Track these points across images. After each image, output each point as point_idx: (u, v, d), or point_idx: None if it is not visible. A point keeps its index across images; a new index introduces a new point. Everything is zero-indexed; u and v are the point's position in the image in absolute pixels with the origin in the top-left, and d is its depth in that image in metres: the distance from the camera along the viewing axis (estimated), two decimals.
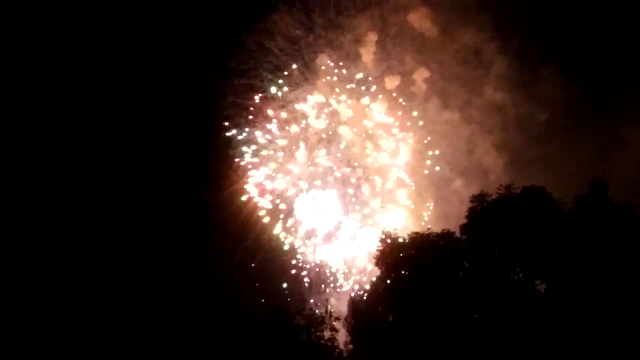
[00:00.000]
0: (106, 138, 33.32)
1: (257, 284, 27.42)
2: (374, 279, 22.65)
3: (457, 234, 20.77)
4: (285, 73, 39.10)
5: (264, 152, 39.68)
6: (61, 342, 23.22)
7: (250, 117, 39.53)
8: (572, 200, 19.20)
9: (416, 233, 21.58)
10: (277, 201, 38.85)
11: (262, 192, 38.84)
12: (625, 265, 18.20)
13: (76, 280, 25.25)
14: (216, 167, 38.64)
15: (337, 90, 38.29)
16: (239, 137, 39.27)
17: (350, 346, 21.97)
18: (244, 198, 37.91)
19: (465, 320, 19.96)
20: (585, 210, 18.66)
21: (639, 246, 18.13)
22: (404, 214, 37.24)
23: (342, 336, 22.35)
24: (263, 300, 25.66)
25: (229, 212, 36.56)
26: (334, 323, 22.44)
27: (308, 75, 39.35)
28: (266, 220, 37.28)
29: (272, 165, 39.55)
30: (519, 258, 19.56)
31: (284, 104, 39.19)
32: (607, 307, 18.17)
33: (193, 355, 23.41)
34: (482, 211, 20.16)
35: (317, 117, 39.38)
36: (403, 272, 21.16)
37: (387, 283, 21.73)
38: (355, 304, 22.60)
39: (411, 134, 38.42)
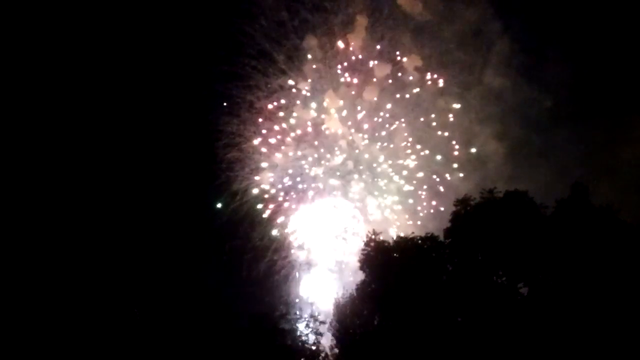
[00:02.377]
0: (93, 138, 35.36)
1: (242, 287, 29.82)
2: (359, 282, 24.77)
3: (441, 238, 22.89)
4: (270, 60, 40.73)
5: (249, 145, 41.51)
6: (59, 341, 25.37)
7: (233, 107, 41.27)
8: (554, 204, 21.27)
9: (400, 237, 23.68)
10: (265, 196, 40.87)
11: (247, 190, 40.86)
12: (606, 268, 20.36)
13: (69, 281, 27.50)
14: (199, 162, 40.62)
15: (324, 78, 39.96)
16: (222, 130, 41.02)
17: (336, 350, 24.30)
18: (228, 197, 40.08)
19: (449, 323, 22.22)
20: (567, 213, 20.75)
21: (620, 249, 20.27)
22: (397, 211, 39.40)
23: (327, 340, 24.69)
24: (247, 304, 27.95)
25: (214, 212, 38.63)
26: (319, 327, 24.74)
27: (294, 62, 40.86)
28: (251, 220, 39.29)
29: (258, 159, 41.41)
30: (502, 261, 21.70)
31: (268, 94, 40.82)
32: (589, 309, 20.40)
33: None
34: (465, 215, 22.21)
35: (304, 106, 41.05)
36: (388, 275, 23.31)
37: (371, 287, 23.92)
38: (340, 308, 24.81)
39: (404, 124, 40.26)
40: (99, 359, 25.42)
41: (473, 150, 40.46)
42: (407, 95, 39.88)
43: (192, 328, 26.41)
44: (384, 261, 23.52)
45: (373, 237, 24.07)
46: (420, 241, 23.13)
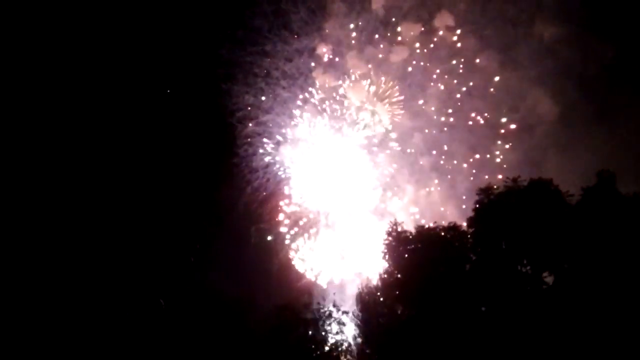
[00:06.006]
0: (102, 133, 40.44)
1: (265, 279, 34.87)
2: (381, 272, 29.28)
3: (464, 227, 26.87)
4: (287, 20, 43.70)
5: (267, 118, 45.60)
6: (64, 341, 31.44)
7: (249, 75, 44.93)
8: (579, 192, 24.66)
9: (422, 226, 27.83)
10: (289, 174, 45.13)
11: (269, 166, 45.25)
12: (633, 257, 23.85)
13: (81, 279, 33.45)
14: (214, 138, 44.85)
15: (347, 41, 42.83)
16: (237, 102, 45.07)
17: (359, 340, 29.27)
18: (249, 175, 44.58)
19: (472, 313, 26.49)
20: (593, 202, 24.15)
21: None
22: (430, 189, 42.85)
23: (350, 330, 29.68)
24: (271, 295, 33.19)
25: (234, 205, 43.24)
26: (342, 317, 29.71)
27: (314, 21, 43.82)
28: (275, 201, 43.76)
29: (277, 132, 45.51)
30: (526, 250, 25.45)
31: (286, 60, 44.16)
32: (615, 300, 24.07)
33: (203, 350, 31.46)
34: (489, 204, 25.96)
35: (325, 72, 44.23)
36: (410, 265, 27.66)
37: (394, 276, 28.41)
38: (363, 298, 29.57)
39: (439, 86, 42.88)
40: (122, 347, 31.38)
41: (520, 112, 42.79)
42: (441, 52, 42.39)
43: (215, 318, 31.89)
44: (407, 251, 27.87)
45: (395, 227, 28.35)
46: (442, 231, 27.21)
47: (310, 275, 41.31)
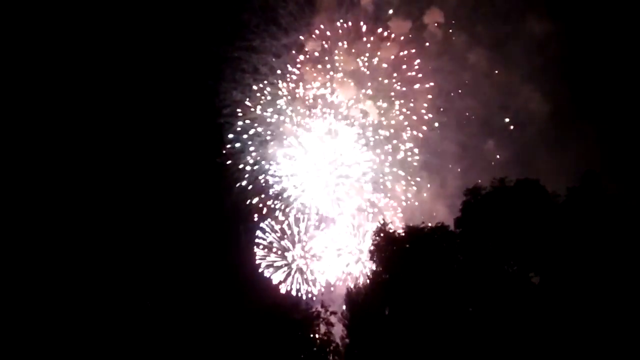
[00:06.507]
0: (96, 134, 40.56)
1: (253, 281, 35.32)
2: (369, 273, 29.75)
3: (452, 227, 27.35)
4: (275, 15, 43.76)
5: (255, 114, 45.74)
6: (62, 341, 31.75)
7: (237, 71, 45.01)
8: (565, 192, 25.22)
9: (410, 227, 28.28)
10: (277, 172, 45.40)
11: (258, 164, 45.49)
12: (618, 256, 24.44)
13: (76, 280, 33.73)
14: (202, 135, 44.97)
15: (336, 36, 43.09)
16: (224, 99, 45.21)
17: (347, 340, 29.67)
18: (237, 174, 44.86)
19: (460, 312, 27.04)
20: (578, 201, 24.71)
21: (631, 237, 24.25)
22: (422, 187, 43.34)
23: (338, 330, 30.11)
24: (259, 297, 33.56)
25: (222, 203, 43.51)
26: (330, 318, 30.15)
27: (302, 17, 43.99)
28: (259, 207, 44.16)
29: (266, 129, 45.72)
30: (513, 251, 26.04)
31: (274, 55, 44.36)
32: (601, 298, 24.71)
33: (191, 351, 31.84)
34: (476, 204, 26.46)
35: (313, 68, 44.34)
36: (398, 265, 28.12)
37: (382, 277, 28.86)
38: (351, 298, 29.97)
39: (430, 83, 43.19)
40: (111, 351, 31.76)
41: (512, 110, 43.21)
42: (433, 48, 42.80)
43: (203, 319, 32.25)
44: (394, 251, 28.33)
45: (383, 226, 28.80)
46: (430, 231, 27.68)
47: (298, 275, 41.79)
